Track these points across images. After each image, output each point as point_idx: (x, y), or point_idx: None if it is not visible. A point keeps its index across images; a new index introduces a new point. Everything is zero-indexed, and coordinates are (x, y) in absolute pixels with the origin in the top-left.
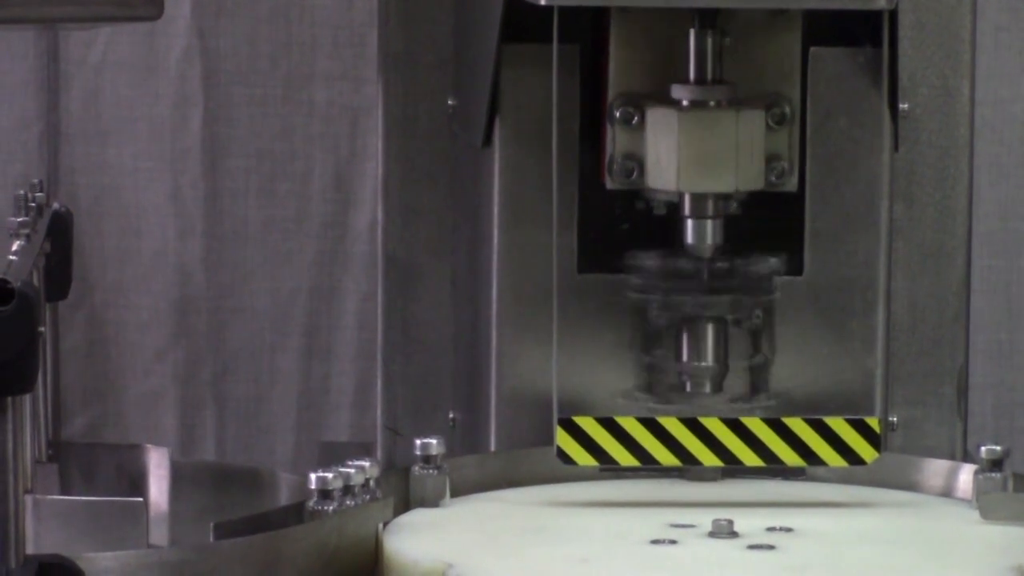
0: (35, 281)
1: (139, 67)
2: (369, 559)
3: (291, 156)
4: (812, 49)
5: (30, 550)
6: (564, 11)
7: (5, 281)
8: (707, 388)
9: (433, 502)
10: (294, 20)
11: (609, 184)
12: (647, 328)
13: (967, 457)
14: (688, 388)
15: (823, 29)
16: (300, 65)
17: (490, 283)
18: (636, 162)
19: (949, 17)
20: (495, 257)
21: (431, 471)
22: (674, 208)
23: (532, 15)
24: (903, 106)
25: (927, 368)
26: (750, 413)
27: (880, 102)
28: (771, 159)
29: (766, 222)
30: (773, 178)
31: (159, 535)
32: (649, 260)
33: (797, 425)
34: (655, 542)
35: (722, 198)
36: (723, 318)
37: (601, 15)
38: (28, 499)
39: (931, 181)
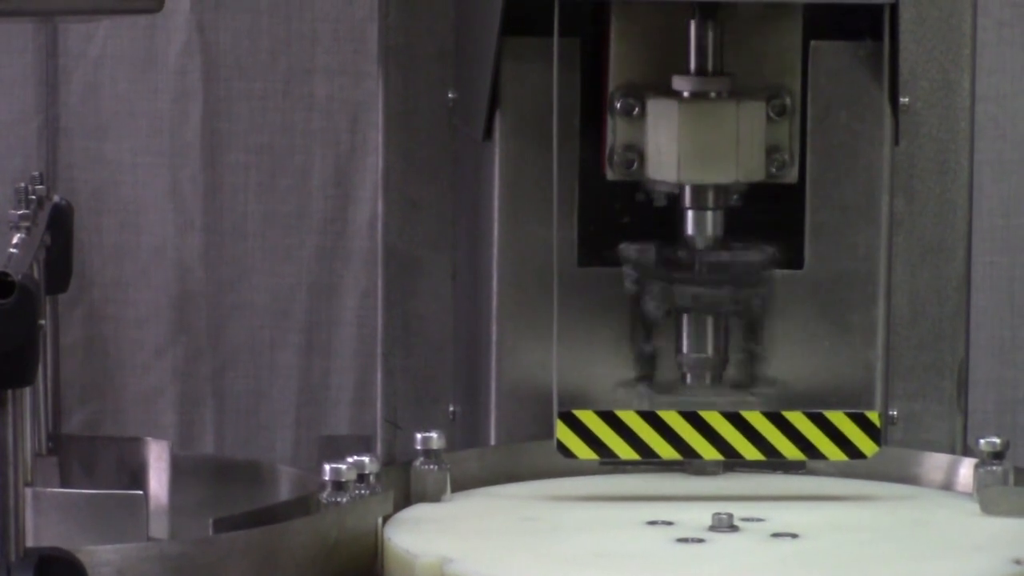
0: (35, 274)
1: (138, 61)
2: (370, 553)
3: (291, 151)
4: (813, 43)
5: (30, 543)
6: (565, 4)
7: (5, 274)
8: (707, 380)
9: (434, 497)
10: (294, 14)
11: (609, 175)
12: (645, 319)
13: (967, 451)
14: (688, 380)
15: (824, 23)
16: (300, 59)
17: (490, 276)
18: (636, 153)
19: (950, 11)
20: (495, 250)
21: (431, 467)
22: (675, 200)
23: (533, 8)
24: (903, 100)
25: (927, 362)
26: (749, 406)
27: (881, 96)
28: (771, 150)
29: (766, 214)
30: (773, 169)
31: (159, 528)
32: (647, 251)
33: (797, 419)
34: (651, 523)
35: (723, 189)
36: (722, 309)
37: (602, 8)
38: (28, 492)
39: (931, 175)
